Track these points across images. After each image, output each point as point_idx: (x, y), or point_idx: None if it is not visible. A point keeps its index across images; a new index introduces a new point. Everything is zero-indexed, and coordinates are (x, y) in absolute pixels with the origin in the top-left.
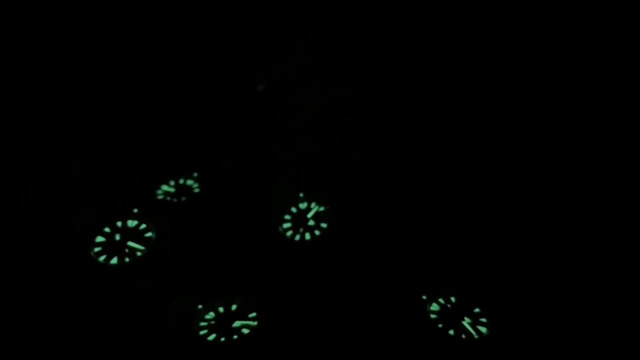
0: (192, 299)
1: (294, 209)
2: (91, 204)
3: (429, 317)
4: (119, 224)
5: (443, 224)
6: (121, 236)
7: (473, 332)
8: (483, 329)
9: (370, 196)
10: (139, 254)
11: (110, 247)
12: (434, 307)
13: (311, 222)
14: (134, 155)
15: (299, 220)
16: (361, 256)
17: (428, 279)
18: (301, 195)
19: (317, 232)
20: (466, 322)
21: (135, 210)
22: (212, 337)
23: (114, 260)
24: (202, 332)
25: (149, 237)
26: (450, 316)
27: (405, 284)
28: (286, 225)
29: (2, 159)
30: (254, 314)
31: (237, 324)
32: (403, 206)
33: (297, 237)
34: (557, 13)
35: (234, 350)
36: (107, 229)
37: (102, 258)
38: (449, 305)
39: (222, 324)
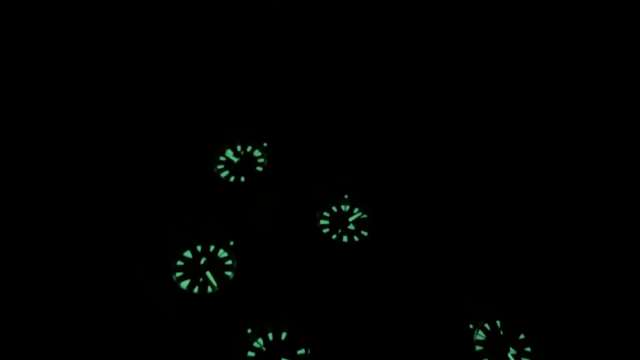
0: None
1: (334, 208)
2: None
3: (474, 349)
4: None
5: (485, 244)
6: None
7: None
8: None
9: (417, 210)
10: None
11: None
12: (480, 335)
13: (351, 227)
14: None
15: (339, 221)
16: (399, 273)
17: (472, 303)
18: (346, 196)
19: (356, 238)
20: (511, 354)
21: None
22: None
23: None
24: None
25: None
26: (496, 345)
27: (447, 308)
28: (323, 222)
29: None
30: (302, 352)
31: None
32: (446, 224)
33: (334, 237)
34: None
35: None
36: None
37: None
38: (493, 332)
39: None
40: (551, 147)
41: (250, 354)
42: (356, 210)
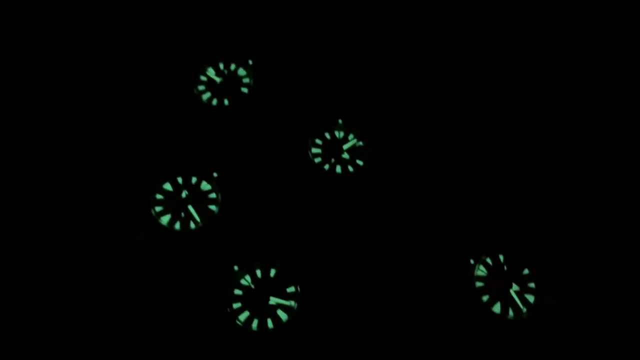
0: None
1: (327, 135)
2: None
3: (474, 285)
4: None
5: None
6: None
7: (520, 305)
8: (531, 298)
9: (418, 138)
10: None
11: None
12: (481, 271)
13: (345, 155)
14: None
15: (332, 149)
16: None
17: (473, 236)
18: (340, 121)
19: (350, 168)
20: (514, 290)
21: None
22: (244, 316)
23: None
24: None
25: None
26: (498, 281)
27: (446, 242)
28: (315, 150)
29: None
30: (292, 289)
31: (273, 301)
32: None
33: (327, 167)
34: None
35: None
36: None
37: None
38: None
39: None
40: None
41: (237, 292)
42: (351, 136)
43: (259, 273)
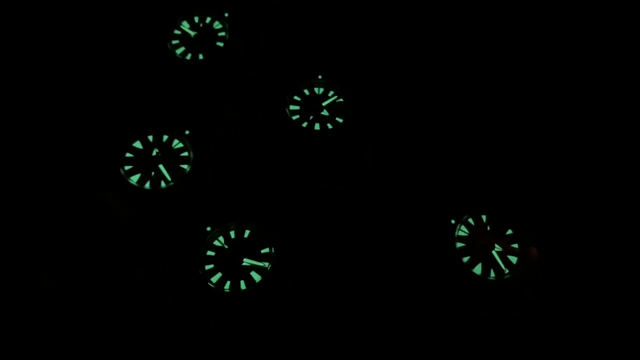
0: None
1: (306, 91)
2: None
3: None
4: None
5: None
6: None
7: (503, 266)
8: (513, 259)
9: (401, 95)
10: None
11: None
12: (463, 231)
13: (325, 112)
14: None
15: (311, 105)
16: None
17: (455, 195)
18: (319, 77)
19: (329, 126)
20: (496, 250)
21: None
22: (216, 277)
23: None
24: (207, 267)
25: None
26: (480, 242)
27: (426, 201)
28: (293, 107)
29: None
30: (266, 250)
31: (246, 262)
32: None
33: (305, 124)
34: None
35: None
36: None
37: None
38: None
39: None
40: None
41: (210, 253)
42: (331, 93)
43: (232, 234)
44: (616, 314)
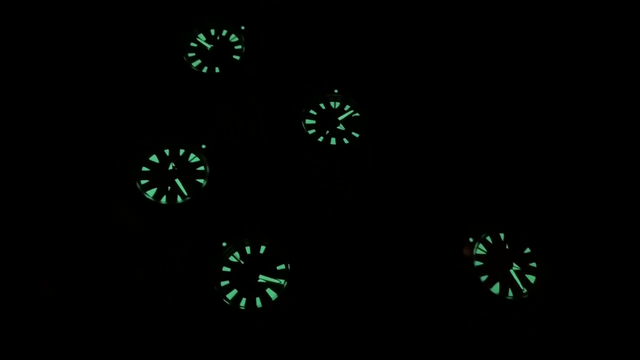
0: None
1: (322, 105)
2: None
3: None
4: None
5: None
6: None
7: (520, 285)
8: (532, 278)
9: (417, 109)
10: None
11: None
12: (481, 249)
13: (341, 127)
14: None
15: (327, 120)
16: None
17: (472, 213)
18: (336, 91)
19: (345, 140)
20: (514, 270)
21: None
22: (232, 294)
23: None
24: (223, 284)
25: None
26: (497, 260)
27: (444, 219)
28: (309, 121)
29: None
30: (282, 267)
31: (262, 279)
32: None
33: (321, 139)
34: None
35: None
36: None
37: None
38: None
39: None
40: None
41: (226, 269)
42: (347, 107)
43: (248, 250)
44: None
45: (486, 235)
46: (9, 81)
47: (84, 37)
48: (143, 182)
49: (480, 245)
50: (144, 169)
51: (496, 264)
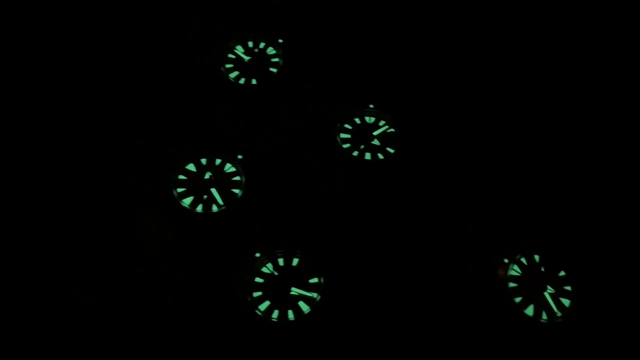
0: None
1: (357, 120)
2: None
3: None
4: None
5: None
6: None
7: (555, 309)
8: (566, 302)
9: (453, 127)
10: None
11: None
12: (515, 271)
13: (376, 142)
14: None
15: (362, 135)
16: (428, 195)
17: (507, 233)
18: (371, 106)
19: (380, 156)
20: (548, 292)
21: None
22: (264, 305)
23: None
24: (255, 295)
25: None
26: (532, 282)
27: (478, 239)
28: (344, 135)
29: None
30: (314, 280)
31: (294, 291)
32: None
33: (355, 153)
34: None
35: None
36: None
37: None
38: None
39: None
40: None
41: (259, 280)
42: (382, 122)
43: (281, 261)
44: None
45: (521, 257)
46: (48, 87)
47: (123, 46)
48: (179, 190)
49: (515, 267)
50: (181, 177)
51: (530, 286)
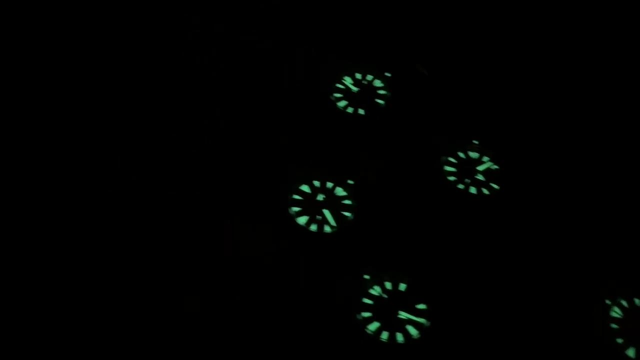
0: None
1: (461, 154)
2: None
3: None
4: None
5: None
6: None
7: None
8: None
9: (558, 166)
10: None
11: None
12: (616, 312)
13: (480, 177)
14: None
15: (466, 169)
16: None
17: (610, 275)
18: (475, 142)
19: (485, 191)
20: None
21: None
22: (374, 326)
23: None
24: (365, 315)
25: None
26: (633, 324)
27: (581, 279)
28: (449, 168)
29: None
30: (423, 306)
31: (402, 315)
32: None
33: (461, 186)
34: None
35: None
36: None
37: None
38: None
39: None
40: None
41: (367, 301)
42: (485, 159)
43: (388, 285)
44: None
45: (621, 299)
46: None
47: (242, 78)
48: (295, 209)
49: (616, 309)
50: (296, 196)
51: (632, 328)
